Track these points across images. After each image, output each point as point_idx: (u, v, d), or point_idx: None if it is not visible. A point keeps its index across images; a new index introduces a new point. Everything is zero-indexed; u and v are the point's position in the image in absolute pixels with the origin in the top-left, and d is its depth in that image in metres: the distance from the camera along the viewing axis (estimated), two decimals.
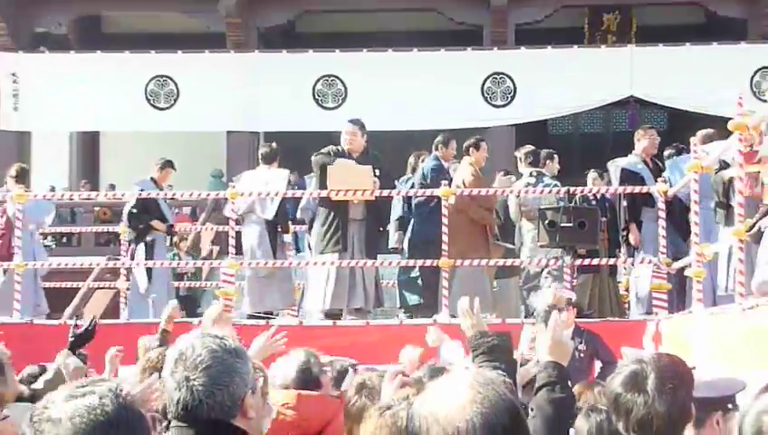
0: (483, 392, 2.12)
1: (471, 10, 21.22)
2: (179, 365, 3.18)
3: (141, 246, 14.36)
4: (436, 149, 13.88)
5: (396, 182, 14.15)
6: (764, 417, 2.91)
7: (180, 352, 3.22)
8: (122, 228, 15.93)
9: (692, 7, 21.74)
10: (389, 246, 14.74)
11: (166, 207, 14.46)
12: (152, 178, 14.70)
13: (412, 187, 13.92)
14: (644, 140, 13.53)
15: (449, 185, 12.90)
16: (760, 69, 17.97)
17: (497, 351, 5.01)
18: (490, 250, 13.24)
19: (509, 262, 13.28)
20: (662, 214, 12.24)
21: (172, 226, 14.77)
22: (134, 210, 14.41)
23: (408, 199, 13.92)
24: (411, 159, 14.90)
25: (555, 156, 14.30)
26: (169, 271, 14.44)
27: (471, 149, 13.64)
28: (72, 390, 2.38)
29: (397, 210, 14.14)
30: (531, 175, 13.64)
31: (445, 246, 12.54)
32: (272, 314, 13.14)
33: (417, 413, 2.16)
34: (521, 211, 13.78)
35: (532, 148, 14.42)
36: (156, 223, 14.33)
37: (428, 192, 13.13)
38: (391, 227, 14.45)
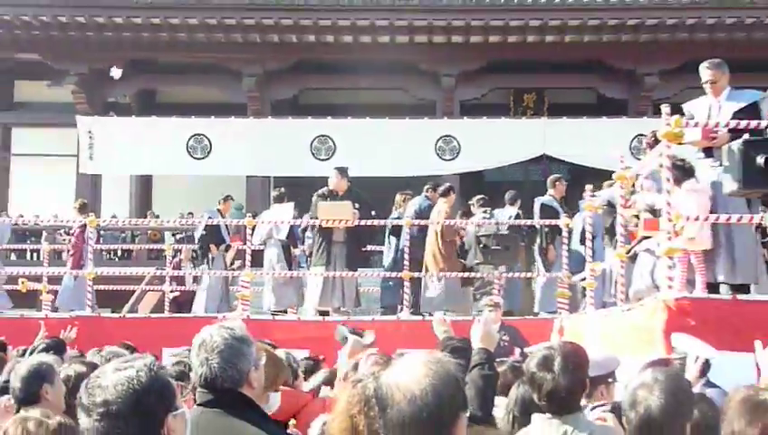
0: (434, 369, 2.19)
1: (427, 89, 21.39)
2: (202, 349, 3.36)
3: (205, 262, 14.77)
4: (426, 192, 14.18)
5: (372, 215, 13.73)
6: (638, 392, 3.15)
7: (202, 340, 3.39)
8: (167, 246, 16.05)
9: (588, 91, 21.91)
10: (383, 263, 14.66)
11: (225, 231, 14.48)
12: (218, 209, 15.03)
13: (397, 218, 14.01)
14: (558, 186, 13.92)
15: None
16: (636, 136, 18.18)
17: (459, 350, 5.01)
18: (454, 266, 13.35)
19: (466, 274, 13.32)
20: (565, 241, 12.39)
21: (229, 245, 14.78)
22: (204, 232, 14.72)
23: (394, 229, 13.98)
24: (398, 198, 14.83)
25: (519, 199, 14.42)
26: (222, 280, 14.52)
27: (450, 191, 13.98)
28: (118, 364, 2.48)
29: (393, 241, 14.11)
30: (484, 213, 13.73)
31: (406, 262, 12.56)
32: (285, 311, 13.24)
33: (384, 383, 2.23)
34: (476, 238, 13.80)
35: (482, 196, 14.49)
36: (212, 247, 14.52)
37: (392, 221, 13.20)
38: (385, 250, 14.46)
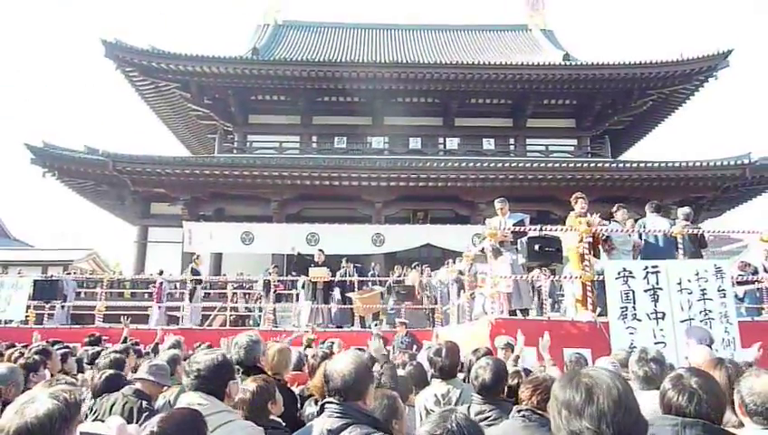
0: (358, 358, 2.29)
1: (367, 209, 21.30)
2: (234, 346, 3.50)
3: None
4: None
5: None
6: (478, 370, 3.11)
7: (236, 341, 3.52)
8: (228, 291, 15.89)
9: (450, 211, 21.68)
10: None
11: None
12: (269, 273, 14.47)
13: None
14: (443, 270, 13.65)
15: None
16: (474, 234, 18.17)
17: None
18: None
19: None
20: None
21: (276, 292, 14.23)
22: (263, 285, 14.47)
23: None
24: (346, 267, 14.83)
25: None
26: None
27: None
28: (206, 351, 2.62)
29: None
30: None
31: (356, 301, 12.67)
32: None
33: (329, 367, 2.29)
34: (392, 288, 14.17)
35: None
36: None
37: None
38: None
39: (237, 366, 3.37)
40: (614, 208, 8.31)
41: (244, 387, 2.78)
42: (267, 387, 2.81)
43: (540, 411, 2.63)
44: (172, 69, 21.40)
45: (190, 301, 13.21)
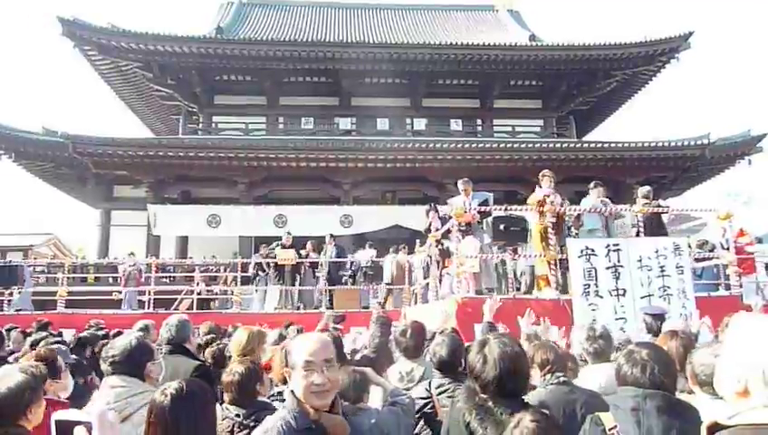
0: (322, 337, 2.11)
1: (335, 190, 21.18)
2: (166, 326, 3.74)
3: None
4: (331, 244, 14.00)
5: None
6: (435, 347, 3.17)
7: (167, 321, 3.76)
8: (196, 275, 15.74)
9: (418, 192, 21.48)
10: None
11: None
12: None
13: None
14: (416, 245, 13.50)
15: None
16: (443, 215, 18.38)
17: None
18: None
19: None
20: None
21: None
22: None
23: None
24: (328, 245, 14.66)
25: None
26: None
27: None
28: (125, 335, 2.62)
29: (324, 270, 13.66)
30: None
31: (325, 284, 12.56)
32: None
33: (291, 345, 2.11)
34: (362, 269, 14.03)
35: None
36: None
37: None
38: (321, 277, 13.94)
39: (168, 345, 3.62)
40: (591, 185, 8.30)
41: (234, 369, 2.75)
42: (255, 369, 2.80)
43: (566, 377, 2.77)
44: (133, 48, 20.82)
45: (265, 285, 13.37)
